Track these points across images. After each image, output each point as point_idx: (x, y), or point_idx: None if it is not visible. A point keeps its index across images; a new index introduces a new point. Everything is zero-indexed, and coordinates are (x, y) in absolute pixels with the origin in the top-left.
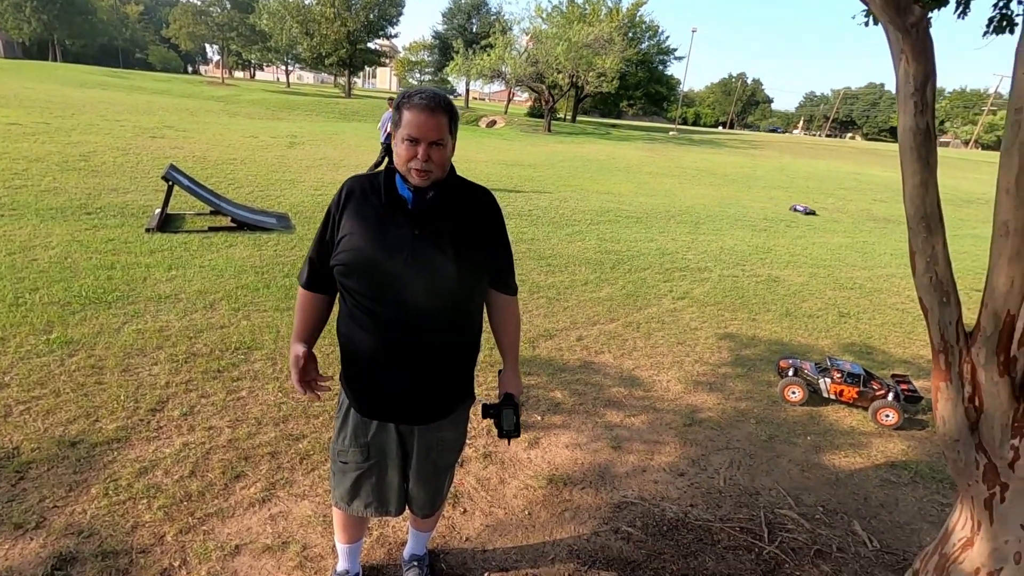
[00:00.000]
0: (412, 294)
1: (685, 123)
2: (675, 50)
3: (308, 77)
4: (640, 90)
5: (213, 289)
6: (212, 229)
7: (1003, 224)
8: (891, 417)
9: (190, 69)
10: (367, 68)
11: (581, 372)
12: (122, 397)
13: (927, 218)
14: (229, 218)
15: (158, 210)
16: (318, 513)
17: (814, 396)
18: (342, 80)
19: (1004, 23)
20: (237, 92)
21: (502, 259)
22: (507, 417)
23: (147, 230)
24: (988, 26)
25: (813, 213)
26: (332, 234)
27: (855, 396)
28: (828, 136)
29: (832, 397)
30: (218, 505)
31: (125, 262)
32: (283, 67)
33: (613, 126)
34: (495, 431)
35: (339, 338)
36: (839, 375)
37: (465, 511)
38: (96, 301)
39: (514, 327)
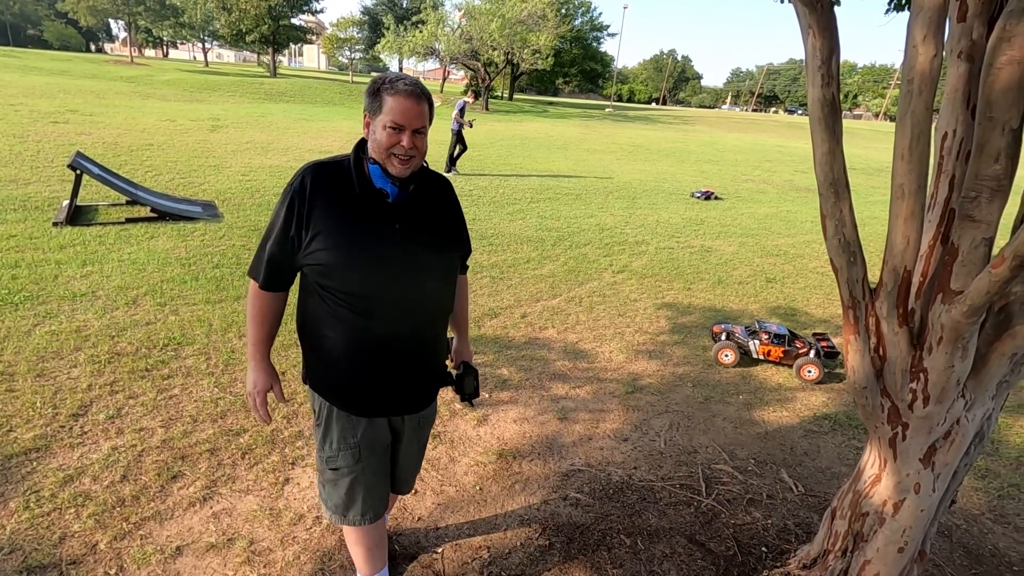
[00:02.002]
0: (401, 289)
1: (620, 100)
2: (608, 27)
3: (229, 55)
4: (575, 67)
5: (135, 284)
6: (130, 220)
7: (899, 187)
8: (813, 372)
9: (93, 47)
10: (292, 45)
11: (526, 348)
12: (38, 404)
13: (835, 184)
14: (148, 208)
15: (66, 202)
16: (264, 507)
17: (745, 357)
18: (266, 58)
19: (903, 1)
20: (149, 72)
21: (467, 242)
22: (469, 383)
23: (55, 224)
24: (889, 4)
25: (713, 197)
26: (300, 230)
27: (781, 355)
28: (754, 110)
29: (761, 357)
30: (155, 508)
31: (31, 259)
32: (200, 45)
33: (550, 104)
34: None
35: (310, 339)
36: (766, 336)
37: (416, 492)
38: (0, 303)
39: (467, 302)
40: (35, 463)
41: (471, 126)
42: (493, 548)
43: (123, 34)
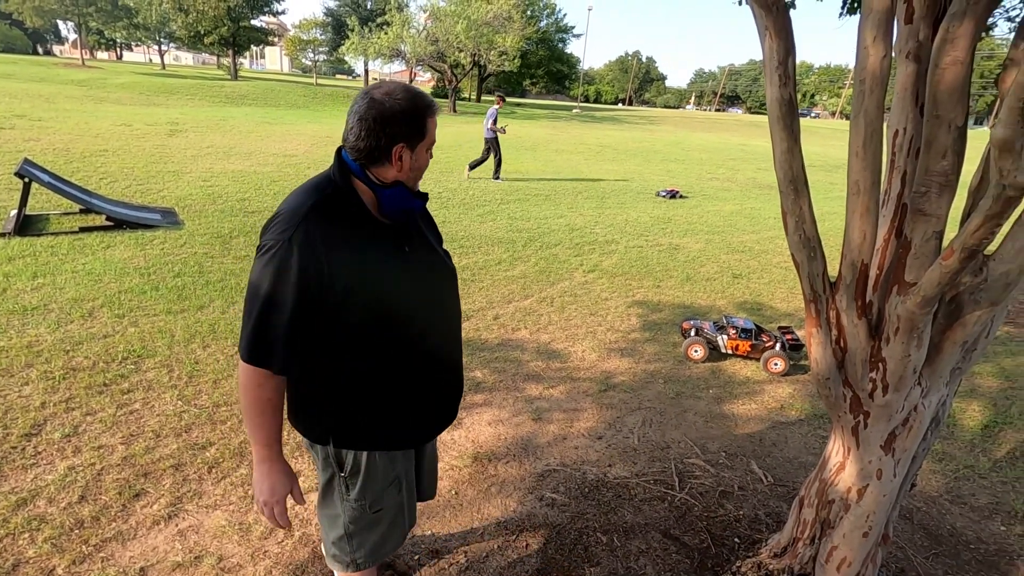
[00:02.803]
0: (440, 309)
1: (587, 100)
2: (573, 28)
3: (187, 58)
4: (542, 68)
5: (91, 296)
6: (84, 229)
7: (855, 183)
8: (779, 365)
9: (40, 50)
10: (254, 48)
11: (500, 350)
12: None
13: (794, 181)
14: (104, 216)
15: (14, 211)
16: (233, 522)
17: (714, 352)
18: (226, 61)
19: (855, 4)
20: (102, 75)
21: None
22: None
23: (2, 235)
24: (843, 7)
25: (678, 196)
26: (324, 291)
27: (748, 349)
28: (718, 110)
29: (729, 352)
30: (116, 528)
31: None
32: (156, 47)
33: (518, 105)
34: None
35: (346, 395)
36: (734, 331)
37: None
38: None
39: None
40: None
41: (504, 131)
42: (470, 552)
43: (73, 36)
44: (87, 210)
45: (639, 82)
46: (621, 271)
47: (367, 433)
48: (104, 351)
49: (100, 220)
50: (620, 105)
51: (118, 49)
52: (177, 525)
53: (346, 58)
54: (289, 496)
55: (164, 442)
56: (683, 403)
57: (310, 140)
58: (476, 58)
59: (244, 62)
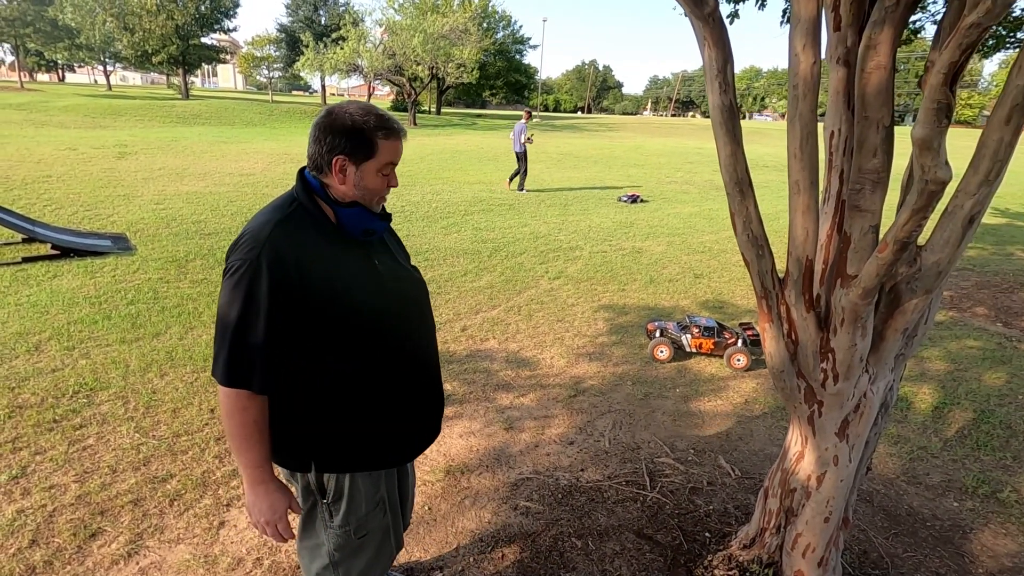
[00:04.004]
0: (417, 320)
1: (547, 110)
2: (529, 39)
3: (135, 78)
4: (500, 79)
5: (36, 329)
6: (27, 260)
7: (795, 183)
8: (741, 361)
9: None
10: (205, 66)
11: (469, 361)
12: None
13: (740, 183)
14: (49, 245)
15: None
16: (198, 555)
17: (680, 352)
18: (176, 80)
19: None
20: (43, 98)
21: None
22: None
23: None
24: (783, 17)
25: (639, 200)
26: (298, 310)
27: (712, 347)
28: (673, 116)
29: (694, 351)
30: (72, 571)
31: None
32: (100, 67)
33: (479, 116)
34: None
35: (327, 416)
36: (697, 330)
37: None
38: None
39: None
40: None
41: (531, 142)
42: (446, 567)
43: (10, 58)
44: (30, 239)
45: (597, 90)
46: (586, 276)
47: (351, 453)
48: (53, 386)
49: (45, 249)
50: (579, 113)
51: (60, 71)
52: (138, 563)
53: (302, 74)
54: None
55: (121, 477)
56: (651, 403)
57: (267, 158)
58: (434, 71)
59: (196, 81)
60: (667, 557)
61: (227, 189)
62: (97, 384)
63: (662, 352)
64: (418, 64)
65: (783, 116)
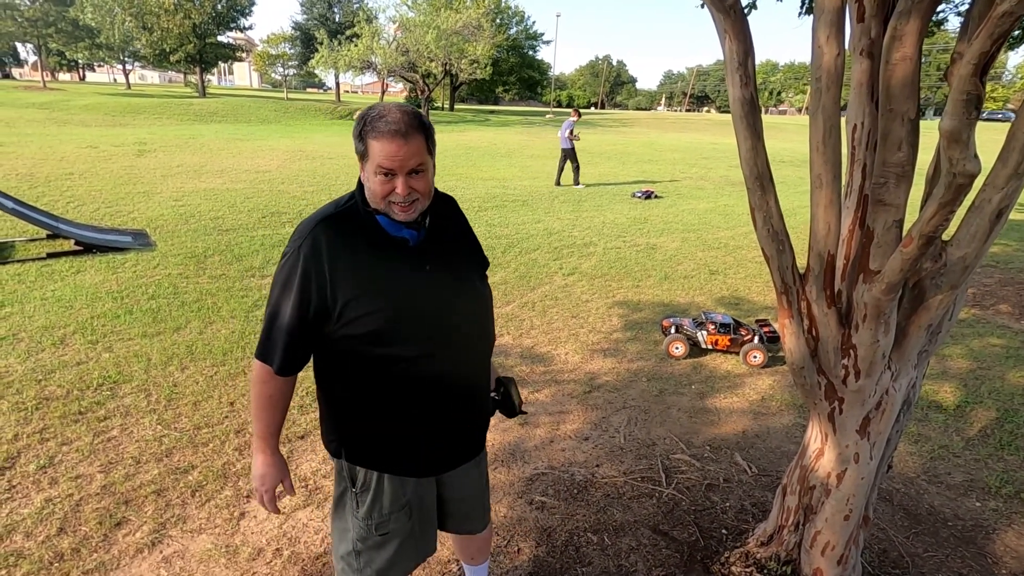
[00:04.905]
0: (455, 335)
1: (560, 105)
2: (543, 35)
3: (153, 76)
4: (514, 75)
5: (62, 323)
6: (52, 255)
7: (817, 177)
8: (758, 358)
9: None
10: (222, 64)
11: None
12: None
13: (760, 178)
14: (72, 241)
15: None
16: (219, 545)
17: (695, 348)
18: (193, 78)
19: (813, 4)
20: (65, 97)
21: (485, 258)
22: (515, 394)
23: None
24: (801, 7)
25: (653, 196)
26: (324, 301)
27: (728, 343)
28: (688, 111)
29: (709, 347)
30: (98, 559)
31: None
32: (120, 66)
33: (492, 112)
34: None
35: (351, 410)
36: (713, 327)
37: None
38: None
39: None
40: None
41: (578, 139)
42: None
43: (33, 58)
44: (54, 235)
45: (610, 85)
46: (600, 273)
47: (372, 452)
48: (78, 379)
49: (69, 245)
50: (592, 108)
51: (80, 70)
52: (162, 552)
53: (316, 71)
54: (280, 487)
55: (144, 468)
56: (667, 400)
57: (283, 155)
58: (448, 67)
59: (212, 79)
60: (683, 553)
61: (243, 186)
62: (120, 377)
63: (677, 348)
64: (431, 61)
65: (800, 111)
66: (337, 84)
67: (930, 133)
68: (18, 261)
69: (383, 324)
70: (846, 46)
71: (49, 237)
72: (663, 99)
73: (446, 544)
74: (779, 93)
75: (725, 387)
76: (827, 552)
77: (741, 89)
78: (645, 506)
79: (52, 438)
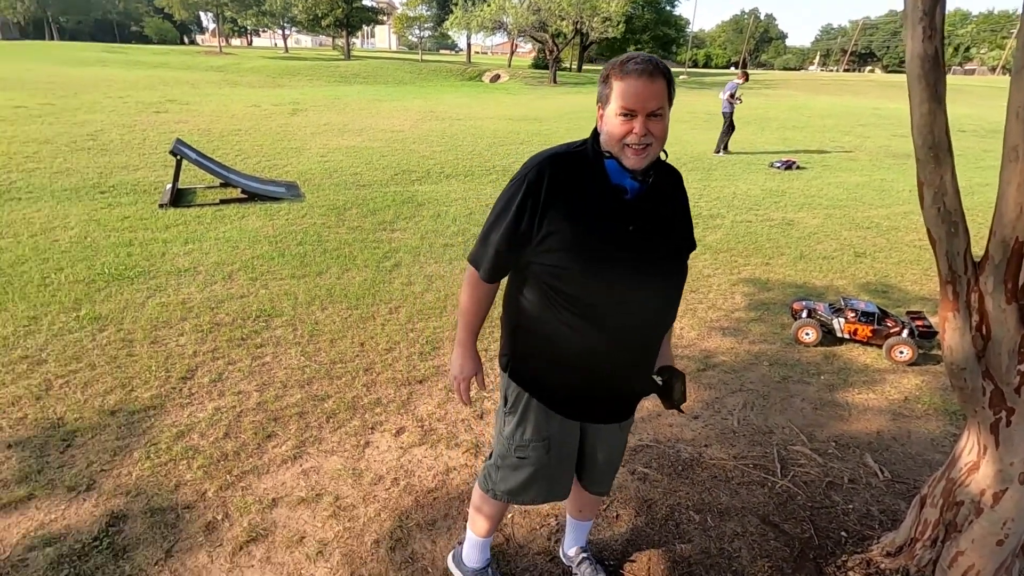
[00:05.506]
0: (633, 300)
1: (696, 66)
2: None
3: (306, 41)
4: (647, 33)
5: (230, 260)
6: (223, 201)
7: (1012, 149)
8: (905, 353)
9: (186, 40)
10: (365, 27)
11: None
12: (153, 367)
13: (935, 148)
14: (239, 190)
15: (169, 185)
16: (347, 467)
17: (828, 336)
18: (340, 42)
19: None
20: (236, 61)
21: (694, 240)
22: (678, 389)
23: (160, 206)
24: None
25: (795, 167)
26: (531, 226)
27: (869, 334)
28: (846, 71)
29: (846, 336)
30: (253, 463)
31: (143, 238)
32: (280, 32)
33: None
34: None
35: (522, 331)
36: (853, 314)
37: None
38: (119, 278)
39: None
40: (153, 419)
41: (740, 101)
42: (560, 516)
43: (212, 25)
44: (226, 184)
45: (755, 43)
46: (726, 247)
47: (529, 377)
48: (241, 309)
49: (236, 193)
50: (732, 69)
51: (248, 36)
52: (301, 465)
53: (450, 32)
54: (474, 380)
55: (290, 392)
56: (790, 388)
57: (416, 115)
58: (579, 26)
59: (356, 42)
60: (793, 548)
61: (379, 144)
62: (273, 311)
63: (808, 334)
64: (562, 19)
65: (993, 70)
66: (468, 45)
67: None
68: (198, 205)
69: (569, 264)
70: None
71: (222, 185)
72: (817, 57)
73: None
74: (967, 49)
75: (861, 381)
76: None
77: (923, 43)
78: (755, 494)
79: (221, 357)
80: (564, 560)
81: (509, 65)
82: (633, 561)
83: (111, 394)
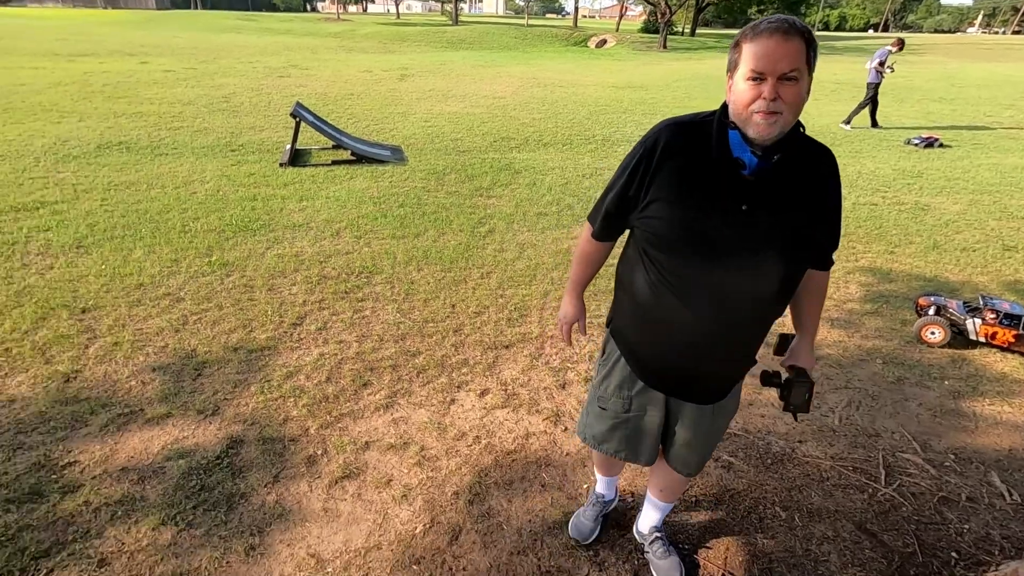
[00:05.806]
0: (730, 283)
1: (827, 29)
2: None
3: (417, 6)
4: None
5: (338, 218)
6: (335, 163)
7: None
8: None
9: (308, 7)
10: None
11: None
12: (269, 312)
13: None
14: (349, 152)
15: (288, 146)
16: (433, 420)
17: (958, 338)
18: (448, 7)
19: None
20: (352, 27)
21: (833, 238)
22: (799, 393)
23: (280, 164)
24: None
25: (937, 144)
26: (639, 191)
27: (1012, 340)
28: (1016, 33)
29: (982, 340)
30: (350, 407)
31: (265, 194)
32: None
33: None
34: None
35: (622, 291)
36: (993, 316)
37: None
38: (244, 229)
39: (820, 302)
40: (268, 358)
41: (892, 70)
42: (637, 493)
43: None
44: (337, 146)
45: (901, 2)
46: (845, 231)
47: (619, 330)
48: (346, 265)
49: (346, 155)
50: (871, 32)
51: (363, 2)
52: (392, 415)
53: None
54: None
55: (385, 345)
56: (905, 390)
57: (518, 82)
58: None
59: (464, 7)
60: (892, 561)
61: (481, 111)
62: (374, 268)
63: (933, 334)
64: None
65: None
66: (576, 8)
67: None
68: (312, 165)
69: (666, 233)
70: None
71: (334, 147)
72: (979, 17)
73: (623, 475)
74: None
75: (994, 391)
76: None
77: None
78: (852, 499)
79: (326, 308)
80: (637, 537)
81: (617, 29)
82: (709, 548)
83: (234, 333)
